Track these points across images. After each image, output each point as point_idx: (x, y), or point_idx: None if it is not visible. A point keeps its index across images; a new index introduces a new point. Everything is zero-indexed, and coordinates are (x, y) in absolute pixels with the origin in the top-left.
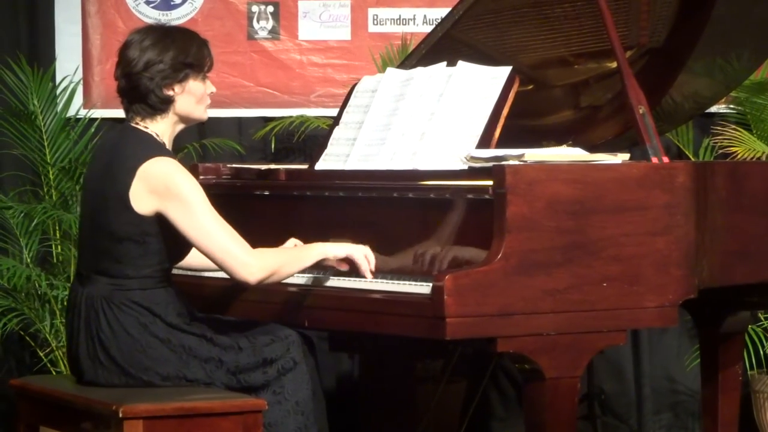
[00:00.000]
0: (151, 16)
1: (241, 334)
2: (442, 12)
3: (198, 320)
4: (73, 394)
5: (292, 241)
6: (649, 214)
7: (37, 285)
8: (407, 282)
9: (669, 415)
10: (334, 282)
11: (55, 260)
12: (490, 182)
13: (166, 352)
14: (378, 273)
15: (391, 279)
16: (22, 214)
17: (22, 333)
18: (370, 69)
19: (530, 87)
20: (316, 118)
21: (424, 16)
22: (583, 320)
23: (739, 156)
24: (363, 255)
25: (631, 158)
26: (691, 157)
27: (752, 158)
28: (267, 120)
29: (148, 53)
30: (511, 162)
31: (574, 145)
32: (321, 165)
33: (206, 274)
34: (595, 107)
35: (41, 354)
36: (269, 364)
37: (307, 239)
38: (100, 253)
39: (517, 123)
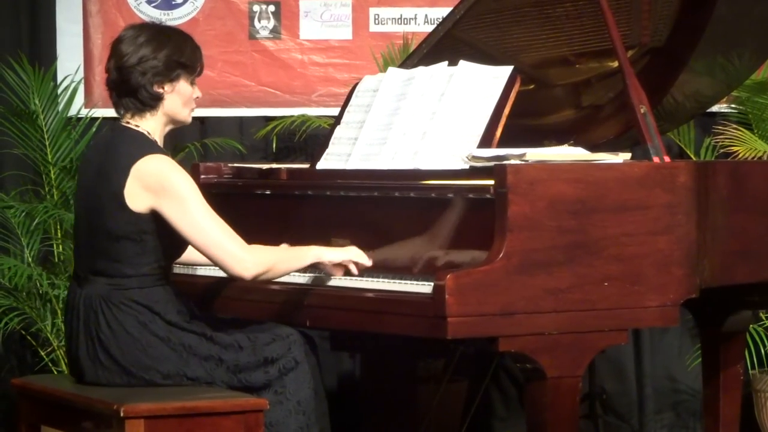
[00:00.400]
0: (152, 15)
1: (241, 333)
2: (443, 11)
3: (198, 319)
4: (75, 393)
5: (285, 247)
6: (651, 213)
7: (38, 284)
8: (409, 281)
9: (670, 415)
10: (335, 281)
11: (56, 259)
12: (491, 182)
13: (166, 351)
14: (379, 272)
15: (393, 278)
16: (23, 214)
17: (23, 332)
18: (372, 68)
19: (532, 86)
20: (318, 117)
21: (426, 15)
22: (584, 320)
23: (740, 156)
24: (355, 260)
25: (632, 158)
26: (692, 156)
27: (753, 158)
28: (268, 119)
29: (143, 49)
30: (512, 161)
31: (575, 144)
32: (322, 164)
33: (204, 272)
34: (597, 107)
35: (42, 353)
36: (270, 363)
37: (308, 239)
38: (96, 253)
39: (518, 122)
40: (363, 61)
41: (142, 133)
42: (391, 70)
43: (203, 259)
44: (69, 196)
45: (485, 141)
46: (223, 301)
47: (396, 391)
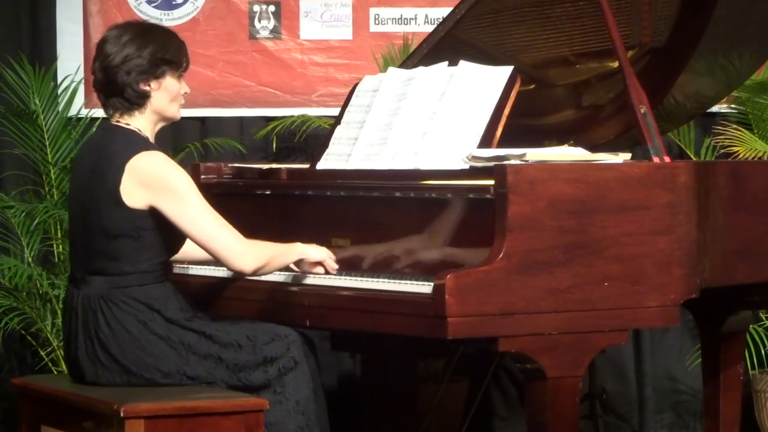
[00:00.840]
0: (152, 15)
1: (240, 332)
2: (443, 11)
3: (197, 317)
4: (75, 393)
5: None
6: (651, 213)
7: (38, 284)
8: (409, 281)
9: (670, 415)
10: (335, 281)
11: (56, 259)
12: (491, 182)
13: (165, 349)
14: (380, 272)
15: (393, 278)
16: (23, 214)
17: (23, 332)
18: (372, 68)
19: (532, 86)
20: (318, 117)
21: (426, 15)
22: (584, 320)
23: (740, 156)
24: (329, 257)
25: (632, 158)
26: (692, 156)
27: (754, 158)
28: (268, 119)
29: (127, 48)
30: (512, 161)
31: (575, 144)
32: (322, 164)
33: (196, 272)
34: (597, 107)
35: (43, 353)
36: (270, 363)
37: (308, 238)
38: (93, 253)
39: (518, 122)
40: (363, 61)
41: (134, 131)
42: (391, 70)
43: (198, 257)
44: None
45: (485, 141)
46: (222, 300)
47: (396, 391)
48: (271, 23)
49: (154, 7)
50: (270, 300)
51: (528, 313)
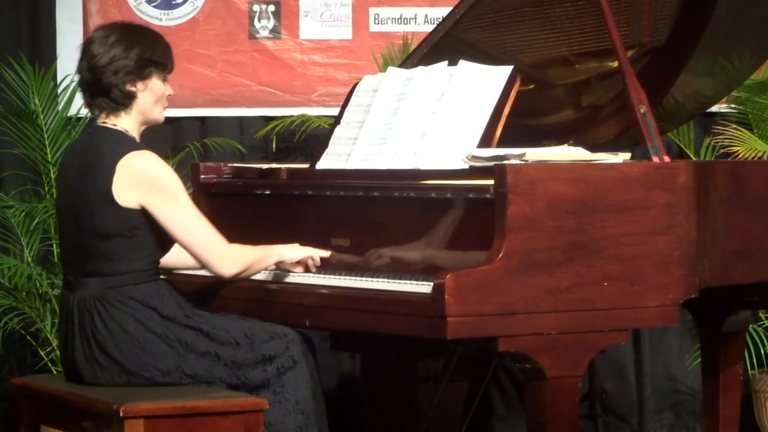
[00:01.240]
0: (152, 15)
1: (238, 330)
2: (443, 11)
3: (195, 315)
4: (74, 393)
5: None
6: (651, 213)
7: (38, 284)
8: (408, 281)
9: (670, 415)
10: (335, 281)
11: (56, 259)
12: (491, 181)
13: (163, 347)
14: (379, 272)
15: (393, 278)
16: (23, 213)
17: (23, 332)
18: (372, 68)
19: (531, 86)
20: (318, 117)
21: (426, 15)
22: (584, 320)
23: (740, 156)
24: (310, 257)
25: (632, 158)
26: (692, 156)
27: (753, 158)
28: (268, 119)
29: (114, 49)
30: (512, 161)
31: (575, 144)
32: (322, 164)
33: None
34: (597, 107)
35: (42, 353)
36: (268, 361)
37: (308, 238)
38: (87, 255)
39: (518, 122)
40: (363, 61)
41: (121, 131)
42: (391, 69)
43: (182, 263)
44: None
45: (485, 141)
46: (221, 300)
47: (395, 391)
48: (271, 23)
49: (153, 6)
50: (270, 300)
51: (527, 313)
